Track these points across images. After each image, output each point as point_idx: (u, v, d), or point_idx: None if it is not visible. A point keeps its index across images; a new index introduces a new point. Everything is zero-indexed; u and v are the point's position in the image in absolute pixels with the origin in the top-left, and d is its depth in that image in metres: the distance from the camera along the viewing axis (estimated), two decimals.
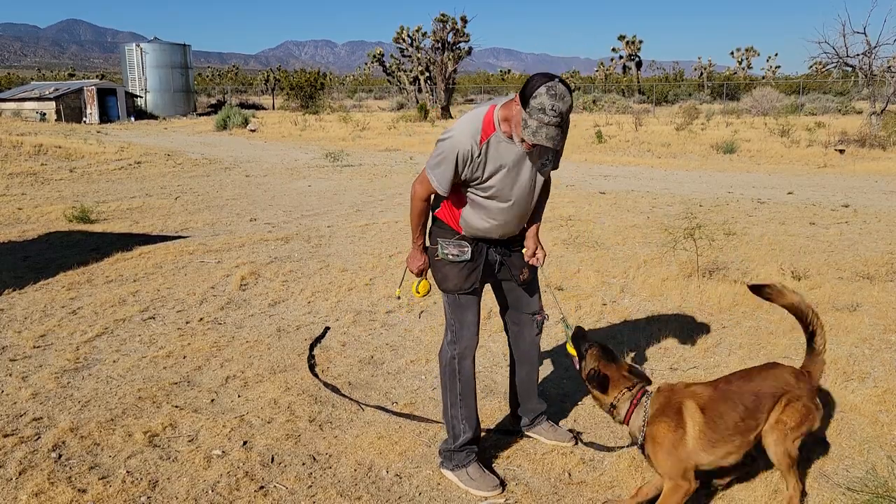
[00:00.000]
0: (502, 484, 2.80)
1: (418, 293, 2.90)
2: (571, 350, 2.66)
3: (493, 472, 2.88)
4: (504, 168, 2.59)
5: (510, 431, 3.19)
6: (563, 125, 2.40)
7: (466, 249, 2.75)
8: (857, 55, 19.62)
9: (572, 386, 3.76)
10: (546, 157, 2.47)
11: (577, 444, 3.11)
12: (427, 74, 40.42)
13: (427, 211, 2.77)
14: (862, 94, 34.89)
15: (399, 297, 2.86)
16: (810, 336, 2.69)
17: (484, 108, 2.60)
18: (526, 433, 3.17)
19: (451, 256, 2.75)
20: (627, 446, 2.87)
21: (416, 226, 2.77)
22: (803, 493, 2.66)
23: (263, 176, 12.90)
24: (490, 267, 2.86)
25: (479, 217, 2.71)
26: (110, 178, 12.51)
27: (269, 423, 3.29)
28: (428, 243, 2.87)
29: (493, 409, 3.42)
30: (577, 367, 2.64)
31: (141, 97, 37.77)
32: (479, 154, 2.54)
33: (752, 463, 2.75)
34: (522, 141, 2.47)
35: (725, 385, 2.52)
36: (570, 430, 3.19)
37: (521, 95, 2.42)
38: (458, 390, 2.83)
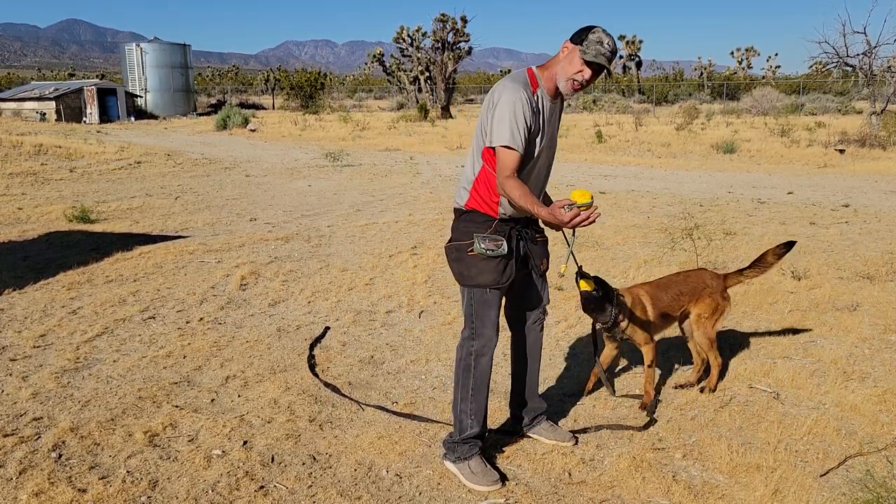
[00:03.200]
0: (503, 479, 2.81)
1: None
2: (587, 286, 3.15)
3: (495, 467, 2.88)
4: (546, 123, 2.71)
5: (510, 432, 3.19)
6: (610, 62, 2.59)
7: (502, 243, 2.72)
8: (857, 55, 19.62)
9: (573, 386, 3.76)
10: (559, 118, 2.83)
11: (576, 443, 3.12)
12: (427, 74, 40.42)
13: (524, 186, 2.62)
14: (862, 94, 34.88)
15: (563, 275, 2.89)
16: (751, 267, 3.76)
17: (521, 70, 2.72)
18: (526, 433, 3.17)
19: (488, 252, 2.71)
20: (601, 328, 3.43)
21: (531, 201, 2.55)
22: (724, 367, 3.83)
23: (263, 176, 12.90)
24: (520, 261, 2.85)
25: (521, 178, 2.68)
26: (110, 178, 12.51)
27: (269, 422, 3.29)
28: (457, 239, 2.82)
29: (492, 409, 3.42)
30: (587, 296, 3.22)
31: (141, 97, 37.77)
32: (536, 102, 2.65)
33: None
34: (571, 81, 2.62)
35: (660, 281, 3.70)
36: (571, 431, 3.19)
37: (574, 37, 2.61)
38: (470, 385, 2.82)
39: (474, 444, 2.85)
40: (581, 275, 3.13)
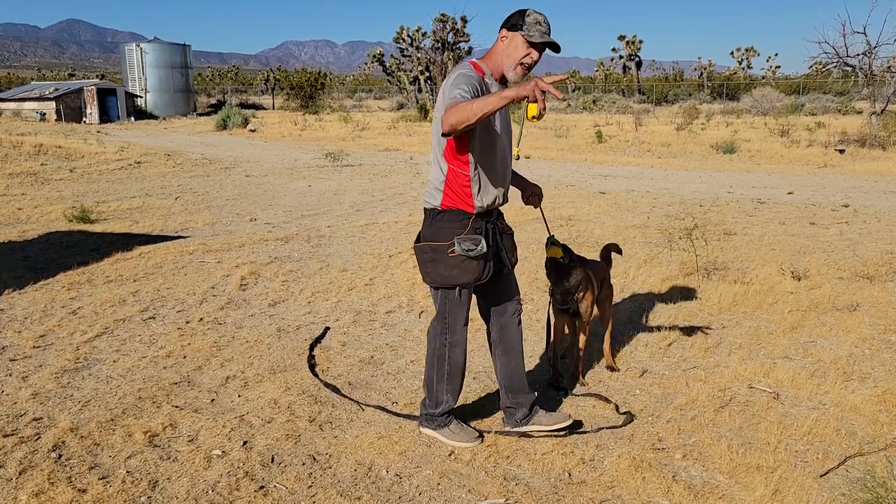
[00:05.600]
0: (481, 435, 3.10)
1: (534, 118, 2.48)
2: (556, 252, 3.34)
3: (469, 426, 3.15)
4: (500, 111, 2.72)
5: (510, 432, 3.19)
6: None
7: (480, 241, 2.79)
8: (857, 55, 19.58)
9: (571, 385, 3.76)
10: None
11: (572, 423, 3.14)
12: (427, 74, 40.42)
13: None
14: (862, 94, 34.87)
15: (518, 158, 2.91)
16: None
17: (463, 62, 2.80)
18: (527, 429, 3.14)
19: (469, 252, 2.77)
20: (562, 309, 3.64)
21: (483, 101, 2.39)
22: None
23: (263, 176, 12.90)
24: (496, 256, 2.93)
25: (488, 168, 2.77)
26: (110, 178, 12.51)
27: (269, 423, 3.29)
28: (431, 240, 2.88)
29: (493, 408, 3.42)
30: (554, 263, 3.42)
31: (141, 97, 37.75)
32: (483, 82, 2.71)
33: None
34: (520, 66, 2.69)
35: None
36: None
37: (510, 25, 2.69)
38: (445, 371, 3.03)
39: (450, 413, 3.10)
40: (552, 241, 3.34)
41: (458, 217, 2.80)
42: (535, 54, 2.67)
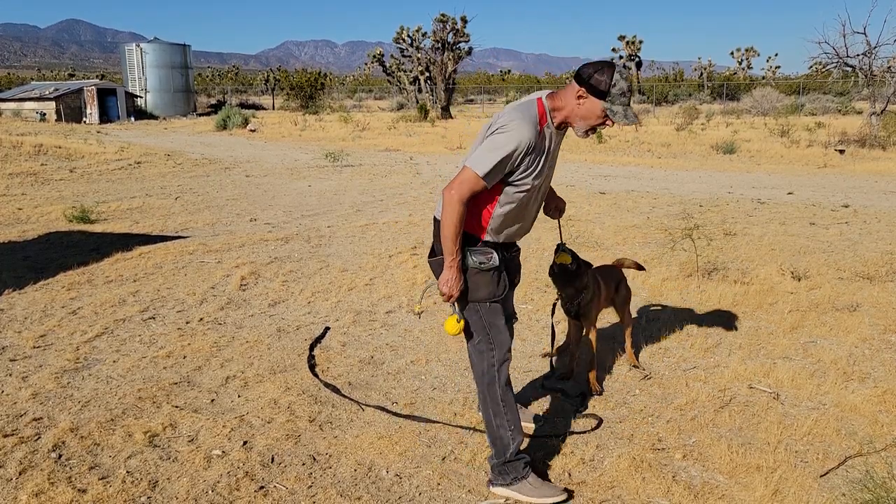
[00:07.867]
0: (567, 490, 2.74)
1: (451, 332, 2.67)
2: (565, 259, 3.32)
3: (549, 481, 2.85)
4: (549, 156, 2.64)
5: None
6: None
7: (492, 255, 2.67)
8: (857, 55, 19.59)
9: (574, 388, 3.76)
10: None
11: (541, 424, 3.24)
12: (427, 74, 40.40)
13: (465, 217, 2.57)
14: (862, 95, 34.85)
15: (419, 315, 2.74)
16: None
17: (531, 100, 2.60)
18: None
19: (481, 265, 2.65)
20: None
21: (456, 236, 2.53)
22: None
23: (263, 176, 12.90)
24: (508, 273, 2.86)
25: (513, 214, 2.65)
26: (110, 178, 12.51)
27: (269, 423, 3.29)
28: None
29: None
30: (562, 269, 3.41)
31: (141, 97, 37.75)
32: (538, 144, 2.55)
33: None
34: (591, 129, 2.59)
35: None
36: (536, 414, 3.33)
37: (594, 90, 2.48)
38: (498, 398, 2.71)
39: (523, 459, 2.74)
40: (561, 248, 3.33)
41: (470, 235, 2.68)
42: (609, 123, 2.57)
